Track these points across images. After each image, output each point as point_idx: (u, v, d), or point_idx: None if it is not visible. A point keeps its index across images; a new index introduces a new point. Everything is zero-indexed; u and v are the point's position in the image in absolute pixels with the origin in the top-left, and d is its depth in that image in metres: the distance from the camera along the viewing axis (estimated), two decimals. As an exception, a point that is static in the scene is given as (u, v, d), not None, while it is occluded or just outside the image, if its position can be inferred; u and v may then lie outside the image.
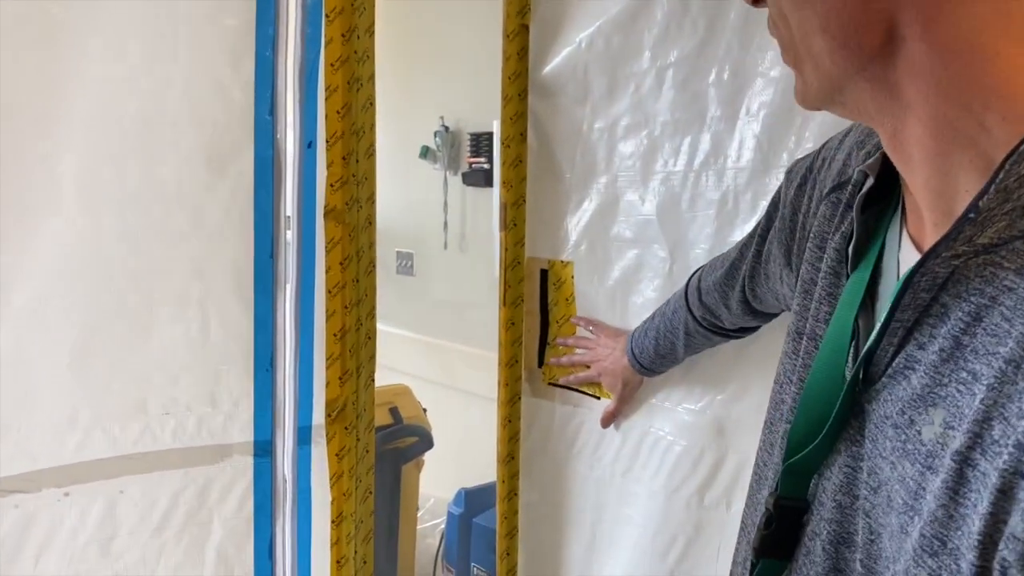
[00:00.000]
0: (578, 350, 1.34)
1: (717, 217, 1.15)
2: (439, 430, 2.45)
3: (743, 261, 0.93)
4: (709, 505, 1.18)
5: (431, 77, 3.12)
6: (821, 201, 0.71)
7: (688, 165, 1.19)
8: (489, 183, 2.93)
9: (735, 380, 1.14)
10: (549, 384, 1.43)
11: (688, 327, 1.07)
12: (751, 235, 0.92)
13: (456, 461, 2.76)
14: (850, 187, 0.67)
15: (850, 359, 0.56)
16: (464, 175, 2.94)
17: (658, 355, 1.14)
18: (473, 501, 2.76)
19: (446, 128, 2.95)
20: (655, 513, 1.25)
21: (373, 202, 1.22)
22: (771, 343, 1.09)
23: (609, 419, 1.31)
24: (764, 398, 1.14)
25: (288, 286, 1.16)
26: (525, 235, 1.41)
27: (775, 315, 1.00)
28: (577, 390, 1.38)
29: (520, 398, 1.44)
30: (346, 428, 1.22)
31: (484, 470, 2.85)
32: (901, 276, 0.52)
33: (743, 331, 1.05)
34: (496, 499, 2.67)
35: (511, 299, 1.42)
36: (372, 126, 1.22)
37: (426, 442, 2.54)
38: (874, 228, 0.60)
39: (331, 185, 1.17)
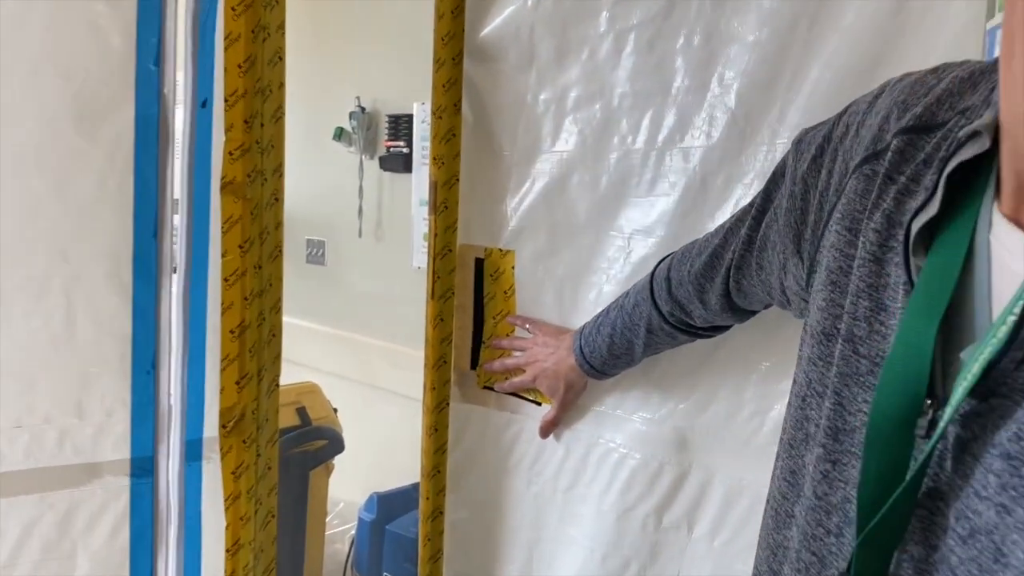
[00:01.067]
0: (514, 352, 1.18)
1: (683, 201, 1.01)
2: (351, 431, 2.27)
3: (727, 249, 0.79)
4: (668, 527, 1.04)
5: (346, 53, 2.93)
6: (849, 175, 0.58)
7: (650, 142, 1.04)
8: (408, 168, 2.78)
9: (701, 385, 1.00)
10: (484, 388, 1.26)
11: (651, 324, 0.93)
12: (738, 219, 0.78)
13: (368, 463, 2.59)
14: (889, 155, 0.54)
15: (939, 377, 0.42)
16: (381, 159, 2.78)
17: (612, 355, 0.99)
18: (386, 507, 2.59)
19: (362, 109, 2.79)
20: (604, 534, 1.10)
21: (281, 175, 1.03)
22: (743, 342, 0.97)
23: (549, 428, 1.15)
24: (734, 406, 1.01)
25: (175, 273, 0.96)
26: (458, 219, 1.24)
27: (754, 313, 0.86)
28: (515, 395, 1.22)
29: (448, 404, 1.27)
30: (244, 441, 1.03)
31: (399, 473, 2.68)
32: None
33: (715, 330, 0.92)
34: (413, 506, 2.49)
35: (440, 292, 1.24)
36: (281, 85, 1.03)
37: (336, 445, 2.36)
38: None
39: (230, 153, 0.98)
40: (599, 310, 1.12)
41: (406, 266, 2.83)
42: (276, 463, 1.08)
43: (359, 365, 2.77)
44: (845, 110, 0.63)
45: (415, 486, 2.72)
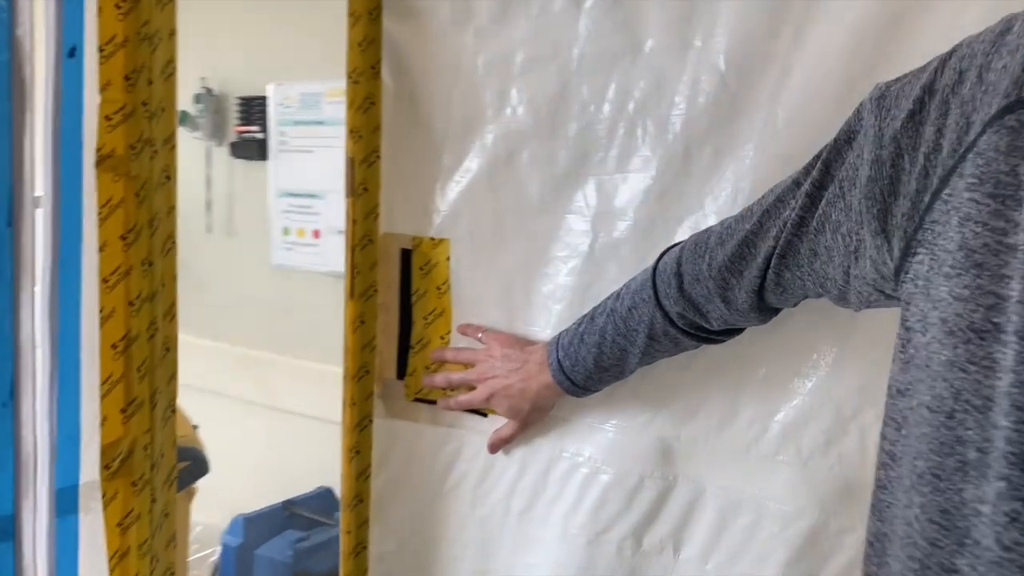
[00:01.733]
0: (455, 376, 1.02)
1: (661, 178, 0.89)
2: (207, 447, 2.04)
3: (764, 236, 0.67)
4: (650, 550, 0.92)
5: (189, 29, 2.62)
6: (979, 130, 0.46)
7: (618, 111, 0.91)
8: (264, 155, 2.54)
9: (688, 388, 0.89)
10: (415, 400, 1.09)
11: (653, 329, 0.79)
12: (779, 199, 0.66)
13: (227, 481, 2.34)
14: None
15: None
16: (232, 146, 2.55)
17: (600, 368, 0.86)
18: (253, 530, 2.37)
19: (209, 91, 2.56)
20: (572, 562, 0.97)
21: (173, 147, 0.82)
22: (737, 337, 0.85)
23: (501, 444, 1.00)
24: (729, 411, 0.88)
25: (38, 272, 0.74)
26: (380, 203, 1.06)
27: (779, 311, 0.75)
28: (455, 407, 1.05)
29: (372, 421, 1.09)
30: (134, 484, 0.82)
31: (264, 493, 2.44)
32: None
33: (729, 333, 0.80)
34: (284, 527, 2.24)
35: (361, 289, 1.06)
36: (172, 32, 0.82)
37: (200, 467, 2.10)
38: None
39: (107, 118, 0.77)
40: (557, 307, 0.98)
41: (264, 264, 2.60)
42: (175, 508, 0.87)
43: (215, 375, 2.51)
44: (949, 54, 0.52)
45: (285, 504, 2.49)
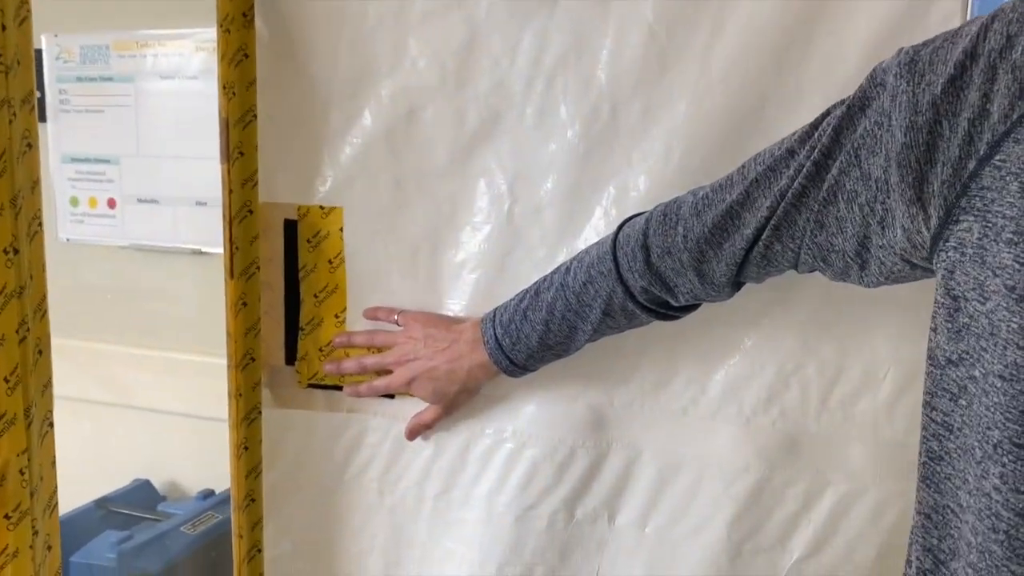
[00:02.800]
0: (369, 360, 0.95)
1: (585, 137, 0.85)
2: None
3: (753, 206, 0.65)
4: (583, 519, 0.91)
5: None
6: None
7: (534, 64, 0.86)
8: (43, 117, 2.24)
9: (620, 353, 0.87)
10: (308, 386, 1.00)
11: (612, 304, 0.76)
12: (770, 168, 0.64)
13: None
14: None
15: None
16: None
17: (545, 346, 0.81)
18: (63, 535, 2.12)
19: None
20: (498, 540, 0.94)
21: (33, 107, 0.68)
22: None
23: (421, 430, 0.94)
24: (665, 373, 0.86)
25: None
26: (258, 169, 0.95)
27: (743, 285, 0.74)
28: (358, 391, 0.98)
29: (261, 413, 0.99)
30: (7, 517, 0.68)
31: (77, 491, 2.20)
32: None
33: (687, 310, 0.78)
34: (100, 528, 2.04)
35: (242, 267, 0.95)
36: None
37: None
38: None
39: (-54, 70, 0.62)
40: (470, 276, 0.92)
41: (52, 240, 2.31)
42: (58, 542, 0.74)
43: None
44: (991, 18, 0.51)
45: (99, 502, 2.26)
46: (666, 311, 0.77)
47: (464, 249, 0.93)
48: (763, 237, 0.65)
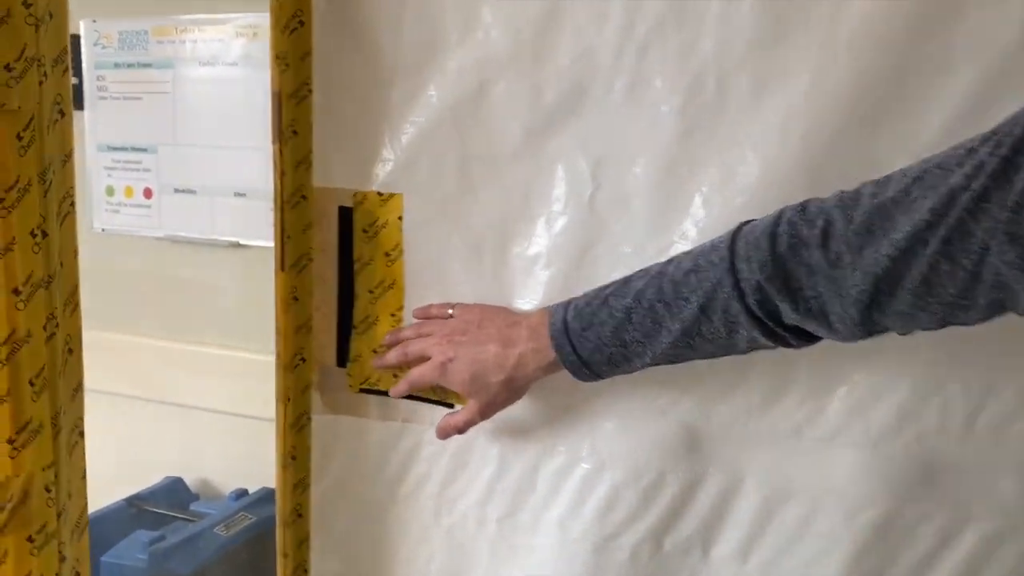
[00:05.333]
0: (413, 343, 0.85)
1: (684, 114, 0.76)
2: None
3: (911, 208, 0.54)
4: (672, 551, 0.82)
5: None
6: None
7: (625, 31, 0.78)
8: (80, 105, 2.21)
9: (721, 363, 0.77)
10: (360, 391, 0.92)
11: (714, 300, 0.65)
12: (946, 163, 0.54)
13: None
14: None
15: None
16: None
17: (618, 340, 0.70)
18: (94, 534, 2.08)
19: None
20: (572, 571, 0.85)
21: (67, 68, 0.61)
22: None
23: (452, 432, 0.84)
24: (774, 390, 0.75)
25: None
26: (313, 151, 0.87)
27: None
28: (414, 397, 0.90)
29: (311, 419, 0.92)
30: (30, 540, 0.61)
31: (107, 489, 2.16)
32: None
33: (798, 335, 0.65)
34: (131, 528, 1.99)
35: (293, 259, 0.88)
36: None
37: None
38: None
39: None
40: (544, 273, 0.85)
41: (87, 229, 2.27)
42: (88, 567, 0.67)
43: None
44: None
45: (131, 500, 2.22)
46: (774, 326, 0.64)
47: (537, 242, 0.84)
48: (927, 251, 0.53)
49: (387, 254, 0.90)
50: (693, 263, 0.67)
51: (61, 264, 0.61)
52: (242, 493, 1.79)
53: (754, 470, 0.78)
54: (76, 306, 0.63)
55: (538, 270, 0.85)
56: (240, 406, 1.70)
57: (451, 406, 0.90)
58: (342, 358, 0.93)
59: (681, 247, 0.77)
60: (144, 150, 2.23)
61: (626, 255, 0.80)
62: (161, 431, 1.99)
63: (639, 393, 0.82)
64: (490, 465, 0.89)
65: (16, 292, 0.59)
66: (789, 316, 0.62)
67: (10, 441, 0.60)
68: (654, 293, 0.68)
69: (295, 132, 0.86)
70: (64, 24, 0.60)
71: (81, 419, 0.64)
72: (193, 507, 1.89)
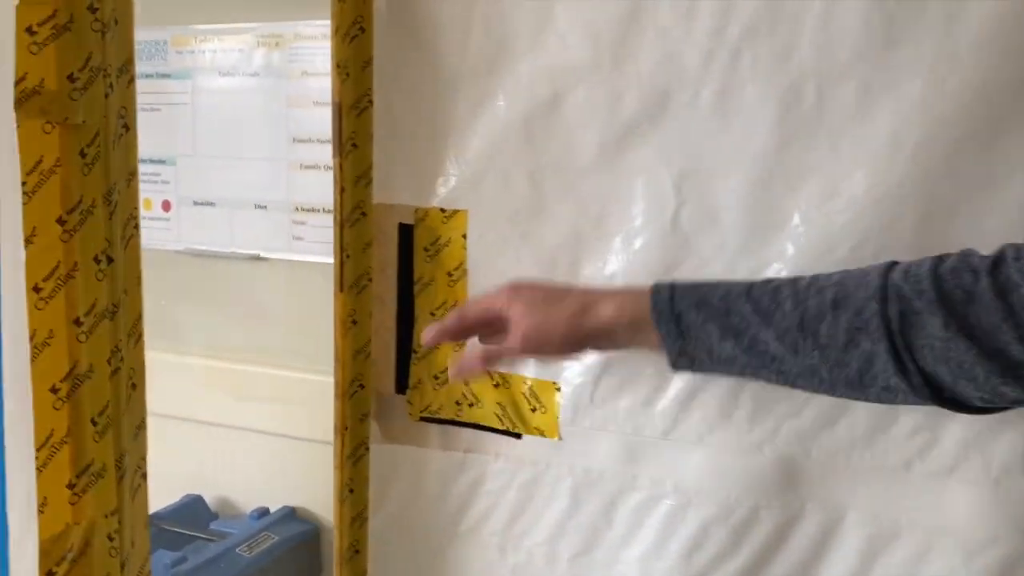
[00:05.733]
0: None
1: (781, 123, 0.71)
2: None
3: None
4: (764, 594, 0.76)
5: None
6: None
7: (715, 35, 0.73)
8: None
9: (817, 397, 0.72)
10: (421, 419, 0.87)
11: (853, 296, 0.53)
12: None
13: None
14: None
15: None
16: None
17: (725, 309, 0.56)
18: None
19: None
20: (653, 615, 0.79)
21: (132, 78, 0.56)
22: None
23: (484, 363, 0.66)
24: (882, 418, 0.69)
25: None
26: (373, 165, 0.83)
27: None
28: (477, 425, 0.85)
29: (368, 449, 0.87)
30: (89, 593, 0.56)
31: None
32: None
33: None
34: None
35: (352, 278, 0.83)
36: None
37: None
38: None
39: (28, 31, 0.50)
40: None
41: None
42: (148, 617, 0.61)
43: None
44: None
45: (150, 519, 2.17)
46: (903, 348, 0.51)
47: (615, 261, 0.79)
48: None
49: (449, 274, 0.85)
50: (841, 274, 0.55)
51: (125, 292, 0.56)
52: (263, 512, 1.73)
53: (857, 506, 0.73)
54: (139, 336, 0.58)
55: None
56: (258, 422, 1.65)
57: (519, 436, 0.85)
58: (401, 385, 0.88)
59: (777, 268, 0.72)
60: (163, 162, 2.19)
61: (714, 274, 0.75)
62: (178, 447, 1.94)
63: (736, 419, 0.76)
64: (561, 500, 0.84)
65: (78, 323, 0.54)
66: (936, 333, 0.50)
67: (70, 486, 0.55)
68: (789, 289, 0.56)
69: (355, 145, 0.82)
70: (130, 30, 0.56)
71: (144, 459, 0.59)
72: (213, 526, 1.84)
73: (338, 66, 0.79)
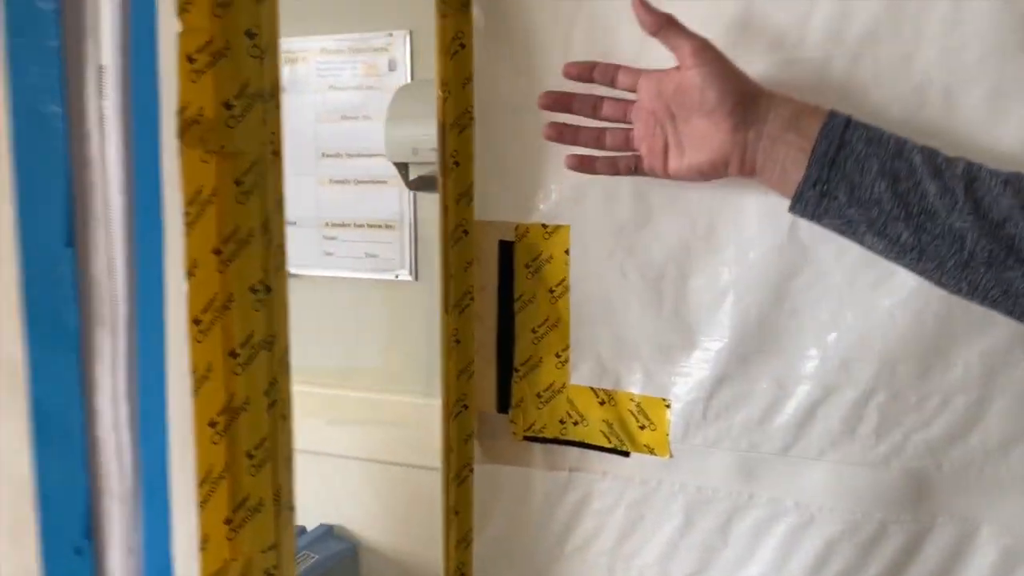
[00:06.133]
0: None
1: (903, 127, 0.70)
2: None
3: None
4: (894, 610, 0.75)
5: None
6: None
7: (832, 40, 0.73)
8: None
9: (951, 399, 0.71)
10: (524, 438, 0.86)
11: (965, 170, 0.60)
12: None
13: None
14: None
15: None
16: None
17: (889, 150, 0.61)
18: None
19: None
20: (775, 634, 0.78)
21: (279, 104, 0.55)
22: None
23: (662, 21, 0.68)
24: (1010, 434, 0.68)
25: (119, 322, 0.46)
26: (473, 182, 0.82)
27: None
28: (583, 444, 0.84)
29: (472, 470, 0.86)
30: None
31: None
32: None
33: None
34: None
35: (457, 297, 0.82)
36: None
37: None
38: None
39: (189, 59, 0.50)
40: (735, 308, 0.78)
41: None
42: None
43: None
44: None
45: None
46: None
47: (727, 273, 0.78)
48: None
49: (551, 290, 0.84)
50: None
51: (279, 328, 0.55)
52: (301, 530, 1.72)
53: (992, 519, 0.72)
54: (287, 367, 0.57)
55: (728, 305, 0.79)
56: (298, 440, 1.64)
57: (626, 454, 0.84)
58: (503, 403, 0.87)
59: (903, 274, 0.71)
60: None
61: (836, 285, 0.74)
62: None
63: (854, 439, 0.75)
64: (673, 519, 0.83)
65: (234, 355, 0.53)
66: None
67: (227, 521, 0.54)
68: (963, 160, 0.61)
69: (456, 163, 0.81)
70: (277, 54, 0.55)
71: (292, 492, 0.59)
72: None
73: (442, 84, 0.78)
